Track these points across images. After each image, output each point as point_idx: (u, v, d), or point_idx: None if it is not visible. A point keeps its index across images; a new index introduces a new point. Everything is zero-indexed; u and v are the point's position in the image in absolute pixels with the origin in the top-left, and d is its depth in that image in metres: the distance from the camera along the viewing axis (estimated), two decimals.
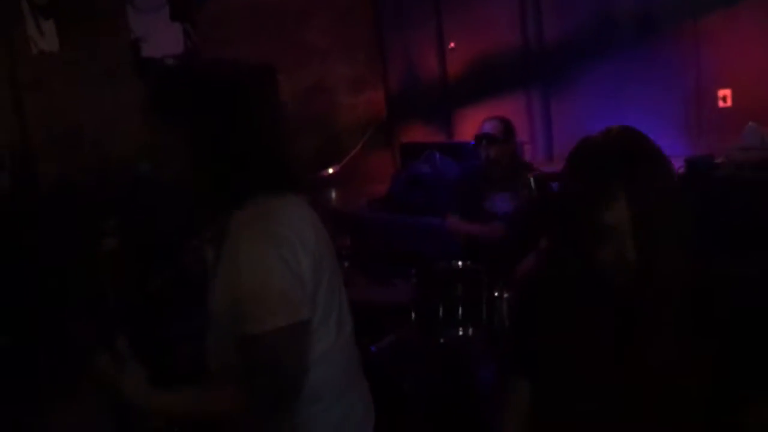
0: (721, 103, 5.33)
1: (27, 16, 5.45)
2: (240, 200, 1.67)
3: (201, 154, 1.65)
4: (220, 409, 1.69)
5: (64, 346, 3.27)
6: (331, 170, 5.84)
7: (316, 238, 1.72)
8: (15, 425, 3.74)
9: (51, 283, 3.47)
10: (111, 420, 3.23)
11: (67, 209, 3.34)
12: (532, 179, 3.52)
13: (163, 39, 5.86)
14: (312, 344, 1.65)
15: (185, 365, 1.88)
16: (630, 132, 1.53)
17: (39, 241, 3.78)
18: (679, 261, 1.48)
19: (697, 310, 1.50)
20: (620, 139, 1.52)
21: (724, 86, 5.33)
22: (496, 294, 3.13)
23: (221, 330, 1.69)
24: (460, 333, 3.09)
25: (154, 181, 1.72)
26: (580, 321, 1.58)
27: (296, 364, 1.61)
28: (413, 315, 3.18)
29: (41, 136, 5.37)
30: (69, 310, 2.97)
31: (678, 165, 4.24)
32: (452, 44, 6.51)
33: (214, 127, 1.64)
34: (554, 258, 1.68)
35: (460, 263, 3.19)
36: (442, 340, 3.14)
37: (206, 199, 1.72)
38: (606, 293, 1.54)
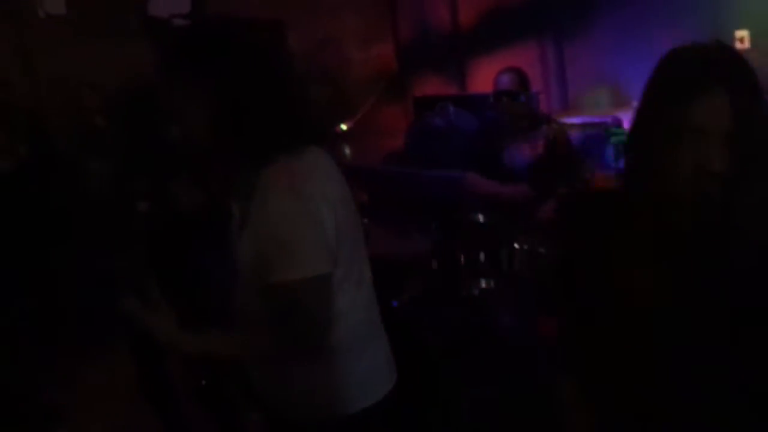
0: (738, 45, 5.24)
1: None
2: (263, 157, 1.69)
3: (221, 115, 1.67)
4: (251, 351, 1.76)
5: (95, 302, 3.31)
6: (344, 126, 5.80)
7: (339, 192, 1.76)
8: (43, 385, 3.82)
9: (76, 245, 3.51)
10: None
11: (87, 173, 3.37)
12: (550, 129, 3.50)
13: None
14: (335, 296, 1.70)
15: (215, 306, 1.91)
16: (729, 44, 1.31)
17: (62, 206, 3.81)
18: None
19: None
20: (722, 43, 1.30)
21: (742, 27, 5.23)
22: (516, 245, 3.13)
23: (248, 281, 1.74)
24: (482, 285, 3.10)
25: (181, 146, 1.73)
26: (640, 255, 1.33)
27: (318, 313, 1.66)
28: (434, 268, 3.19)
29: (54, 100, 5.37)
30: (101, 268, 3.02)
31: None
32: None
33: (232, 87, 1.65)
34: (625, 172, 1.42)
35: (480, 216, 3.18)
36: (463, 293, 3.16)
37: (229, 157, 1.75)
38: (678, 216, 1.29)
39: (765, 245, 1.25)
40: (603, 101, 5.67)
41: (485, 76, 5.41)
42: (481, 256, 3.11)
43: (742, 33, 5.22)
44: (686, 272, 1.30)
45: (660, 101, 1.27)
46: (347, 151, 5.46)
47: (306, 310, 1.63)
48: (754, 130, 1.19)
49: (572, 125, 3.95)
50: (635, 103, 1.39)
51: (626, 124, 4.58)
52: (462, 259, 3.10)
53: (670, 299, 1.32)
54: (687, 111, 1.21)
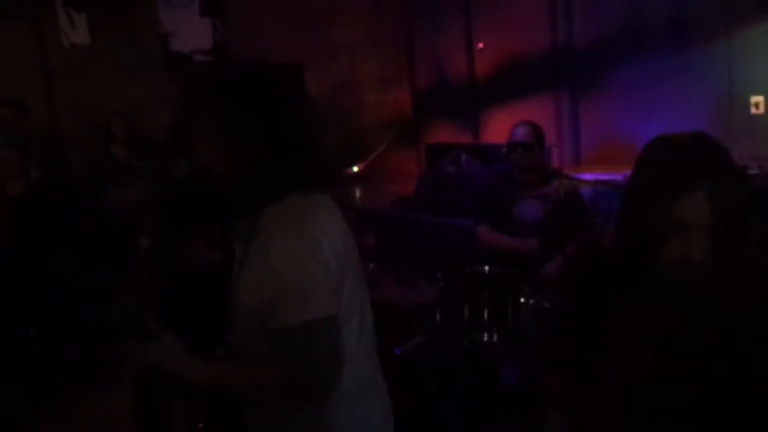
0: (753, 110, 5.25)
1: (59, 9, 5.52)
2: (270, 198, 1.68)
3: (235, 154, 1.66)
4: (260, 382, 1.70)
5: (96, 334, 3.30)
6: (355, 168, 5.82)
7: (342, 238, 1.74)
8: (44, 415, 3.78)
9: (81, 275, 3.50)
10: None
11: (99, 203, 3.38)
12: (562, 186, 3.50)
13: (191, 34, 5.90)
14: (341, 338, 1.66)
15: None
16: (707, 135, 1.45)
17: (70, 234, 3.81)
18: (759, 264, 1.37)
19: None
20: (701, 137, 1.42)
21: (757, 93, 5.25)
22: (521, 300, 3.10)
23: (246, 324, 1.71)
24: (485, 338, 3.07)
25: (190, 181, 1.73)
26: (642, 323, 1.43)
27: (330, 354, 1.63)
28: (438, 317, 3.17)
29: (71, 127, 5.44)
30: (100, 300, 3.00)
31: None
32: (481, 45, 6.48)
33: (249, 127, 1.66)
34: (615, 253, 1.52)
35: (486, 268, 3.16)
36: (466, 344, 3.13)
37: (238, 196, 1.74)
38: (668, 296, 1.40)
39: (755, 329, 1.36)
40: (615, 158, 5.67)
41: (499, 127, 5.44)
42: (486, 307, 3.08)
43: (758, 98, 5.23)
44: (679, 346, 1.39)
45: (645, 193, 1.40)
46: (357, 193, 5.47)
47: (316, 353, 1.60)
48: (735, 221, 1.33)
49: (583, 181, 3.94)
50: None
51: None
52: (466, 309, 3.08)
53: (667, 371, 1.39)
54: (671, 207, 1.34)
